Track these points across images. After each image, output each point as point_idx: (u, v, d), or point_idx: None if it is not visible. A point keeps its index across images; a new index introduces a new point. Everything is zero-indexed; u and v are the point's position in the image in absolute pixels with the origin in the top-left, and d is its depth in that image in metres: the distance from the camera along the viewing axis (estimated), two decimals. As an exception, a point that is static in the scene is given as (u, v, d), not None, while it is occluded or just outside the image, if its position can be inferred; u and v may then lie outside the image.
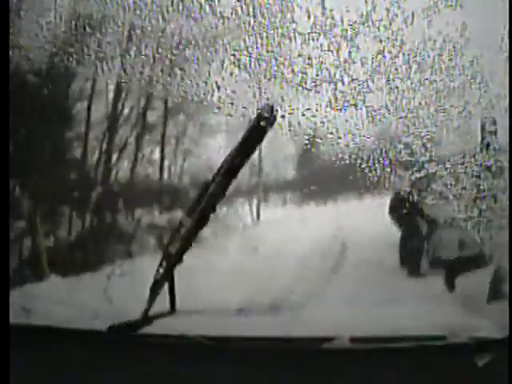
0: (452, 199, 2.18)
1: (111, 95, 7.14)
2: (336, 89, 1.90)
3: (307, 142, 2.10)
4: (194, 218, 1.63)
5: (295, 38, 1.84)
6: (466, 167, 2.06)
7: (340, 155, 2.06)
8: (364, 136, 2.04)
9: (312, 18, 1.81)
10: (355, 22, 1.82)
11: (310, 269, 5.84)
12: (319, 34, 1.83)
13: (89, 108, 6.90)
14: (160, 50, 1.94)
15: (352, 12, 1.82)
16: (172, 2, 1.83)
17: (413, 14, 1.82)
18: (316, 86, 1.91)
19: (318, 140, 2.11)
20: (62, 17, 2.02)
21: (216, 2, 1.83)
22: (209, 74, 1.94)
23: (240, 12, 1.82)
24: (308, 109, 1.96)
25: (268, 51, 1.86)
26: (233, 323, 1.55)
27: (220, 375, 1.11)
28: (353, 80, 1.90)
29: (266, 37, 1.84)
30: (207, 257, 5.47)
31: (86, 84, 6.82)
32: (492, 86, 1.92)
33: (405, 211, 3.63)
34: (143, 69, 1.97)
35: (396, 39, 1.84)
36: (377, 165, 2.07)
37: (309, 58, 1.87)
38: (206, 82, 1.94)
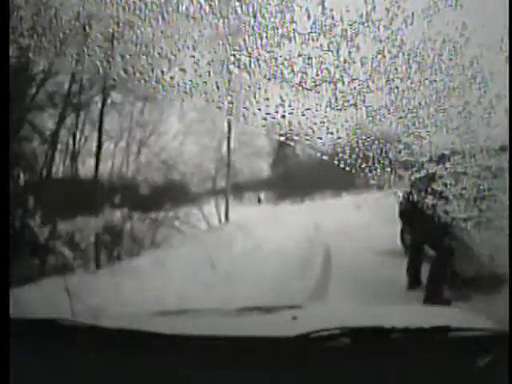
0: (452, 199, 2.18)
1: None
2: (336, 89, 1.90)
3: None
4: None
5: (295, 38, 1.84)
6: (466, 167, 2.06)
7: (340, 155, 2.06)
8: (364, 136, 2.04)
9: (312, 18, 1.81)
10: (355, 21, 1.82)
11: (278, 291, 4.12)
12: (319, 34, 1.83)
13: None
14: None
15: (352, 12, 1.82)
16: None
17: (413, 14, 1.82)
18: (316, 85, 1.91)
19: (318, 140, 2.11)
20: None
21: (216, 1, 1.83)
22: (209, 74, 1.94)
23: (240, 12, 1.82)
24: (308, 109, 1.96)
25: (268, 51, 1.86)
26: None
27: (220, 375, 1.11)
28: (353, 80, 1.90)
29: (266, 37, 1.84)
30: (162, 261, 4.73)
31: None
32: (492, 86, 1.92)
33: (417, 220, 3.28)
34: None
35: (396, 39, 1.84)
36: (377, 165, 2.07)
37: (309, 58, 1.87)
38: (205, 82, 1.94)
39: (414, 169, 2.11)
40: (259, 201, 11.31)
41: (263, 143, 9.36)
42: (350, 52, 1.85)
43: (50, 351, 1.26)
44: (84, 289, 3.64)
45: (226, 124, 7.83)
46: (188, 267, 4.80)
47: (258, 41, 1.85)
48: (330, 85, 1.90)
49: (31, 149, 5.35)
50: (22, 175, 4.88)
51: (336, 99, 1.92)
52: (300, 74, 1.89)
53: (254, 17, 1.82)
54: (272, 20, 1.82)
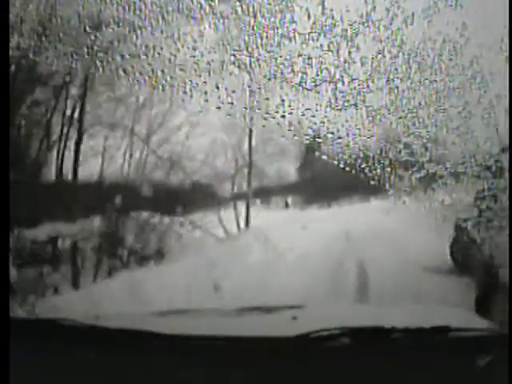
0: (452, 199, 2.18)
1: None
2: (336, 89, 1.90)
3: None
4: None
5: (295, 38, 1.84)
6: (466, 167, 2.06)
7: (340, 155, 2.06)
8: (364, 136, 2.04)
9: (312, 18, 1.81)
10: (355, 22, 1.82)
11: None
12: (319, 34, 1.83)
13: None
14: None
15: (352, 12, 1.82)
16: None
17: (413, 14, 1.82)
18: (316, 85, 1.91)
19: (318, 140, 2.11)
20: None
21: (216, 1, 1.83)
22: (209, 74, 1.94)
23: (240, 12, 1.82)
24: (308, 109, 1.96)
25: (268, 51, 1.86)
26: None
27: (220, 375, 1.11)
28: (353, 80, 1.90)
29: (266, 37, 1.84)
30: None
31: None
32: (492, 86, 1.92)
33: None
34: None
35: (396, 39, 1.84)
36: (377, 165, 2.07)
37: (309, 58, 1.87)
38: (205, 82, 1.94)
39: (414, 169, 2.11)
40: (286, 205, 11.26)
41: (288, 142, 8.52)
42: (349, 52, 1.85)
43: (50, 351, 1.26)
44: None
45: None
46: (179, 291, 3.86)
47: (258, 41, 1.85)
48: (329, 85, 1.90)
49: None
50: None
51: (336, 99, 1.92)
52: (300, 74, 1.89)
53: (254, 17, 1.82)
54: (272, 20, 1.82)
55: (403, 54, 1.87)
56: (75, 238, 4.77)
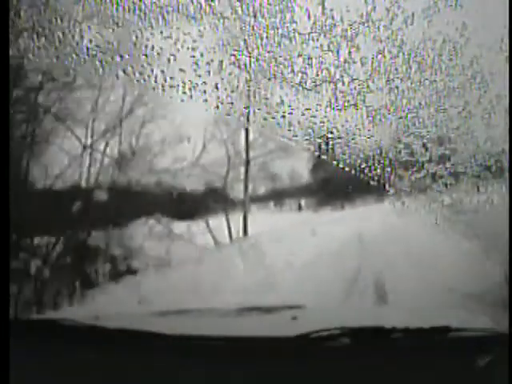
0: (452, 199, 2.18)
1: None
2: (336, 89, 1.90)
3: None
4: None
5: (295, 38, 1.84)
6: (466, 167, 2.06)
7: (340, 155, 2.06)
8: (364, 136, 2.04)
9: (312, 18, 1.81)
10: (355, 21, 1.82)
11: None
12: (319, 34, 1.83)
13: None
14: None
15: (352, 12, 1.82)
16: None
17: (413, 14, 1.82)
18: (316, 85, 1.91)
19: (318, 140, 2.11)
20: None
21: (216, 1, 1.83)
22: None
23: (240, 12, 1.82)
24: (308, 109, 1.96)
25: (268, 51, 1.86)
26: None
27: (220, 375, 1.11)
28: (353, 80, 1.90)
29: (266, 37, 1.84)
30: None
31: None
32: (492, 86, 1.92)
33: None
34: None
35: (396, 39, 1.84)
36: (377, 165, 2.07)
37: (309, 58, 1.87)
38: (205, 82, 1.93)
39: (414, 169, 2.11)
40: (300, 207, 11.19)
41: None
42: (350, 52, 1.85)
43: (50, 351, 1.26)
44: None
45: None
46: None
47: (258, 41, 1.85)
48: (329, 85, 1.90)
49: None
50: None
51: (336, 99, 1.92)
52: (300, 74, 1.89)
53: (254, 17, 1.82)
54: (272, 20, 1.82)
55: (403, 53, 1.87)
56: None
